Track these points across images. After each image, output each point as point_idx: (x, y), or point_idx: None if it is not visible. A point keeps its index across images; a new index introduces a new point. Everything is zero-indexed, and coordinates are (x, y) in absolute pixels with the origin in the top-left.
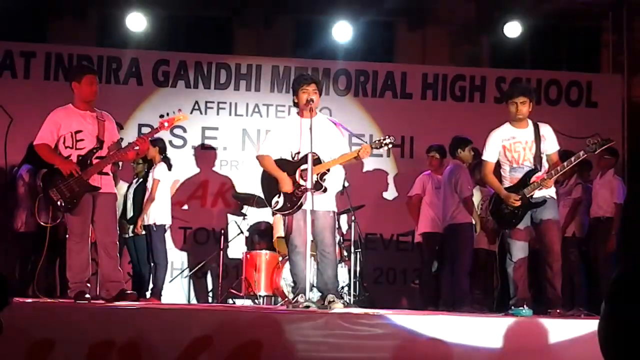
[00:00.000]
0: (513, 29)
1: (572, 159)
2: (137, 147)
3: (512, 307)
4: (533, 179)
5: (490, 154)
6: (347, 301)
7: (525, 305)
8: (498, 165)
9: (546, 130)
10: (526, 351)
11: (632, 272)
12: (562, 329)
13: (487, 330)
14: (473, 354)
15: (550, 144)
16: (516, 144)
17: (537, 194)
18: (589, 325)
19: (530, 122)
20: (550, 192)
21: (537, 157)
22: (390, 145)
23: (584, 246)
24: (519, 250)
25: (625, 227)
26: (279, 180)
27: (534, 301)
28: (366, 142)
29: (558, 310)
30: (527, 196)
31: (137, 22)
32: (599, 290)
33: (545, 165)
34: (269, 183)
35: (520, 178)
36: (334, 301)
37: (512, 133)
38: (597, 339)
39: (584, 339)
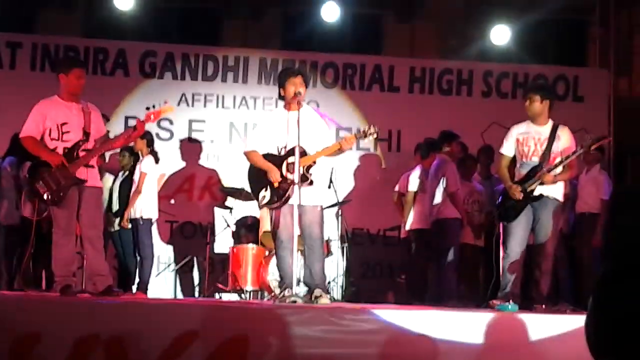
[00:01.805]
0: (500, 34)
1: (570, 154)
2: (126, 136)
3: (499, 302)
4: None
5: (506, 148)
6: (334, 296)
7: (511, 301)
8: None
9: (564, 132)
10: (512, 346)
11: (618, 268)
12: (547, 325)
13: (473, 325)
14: (459, 349)
15: (566, 146)
16: (529, 139)
17: (539, 189)
18: (574, 321)
19: (551, 121)
20: (554, 193)
21: (545, 155)
22: (374, 136)
23: (569, 241)
24: (517, 244)
25: (610, 223)
26: (268, 171)
27: (521, 297)
28: (350, 134)
29: (543, 306)
30: (528, 190)
31: (125, 1)
32: (584, 286)
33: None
34: (257, 177)
35: (526, 173)
36: (320, 296)
37: (528, 129)
38: (583, 334)
39: (569, 335)
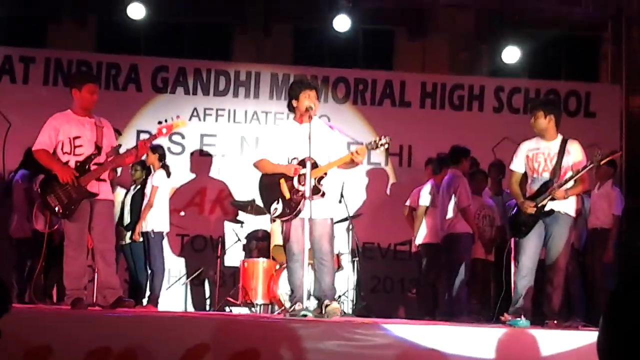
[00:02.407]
0: (511, 54)
1: (580, 169)
2: (135, 153)
3: (511, 317)
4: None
5: (516, 164)
6: (344, 310)
7: (523, 316)
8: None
9: (573, 146)
10: None
11: (630, 282)
12: (559, 340)
13: (484, 340)
14: None
15: (576, 160)
16: (538, 155)
17: (550, 205)
18: (586, 337)
19: (560, 136)
20: (566, 208)
21: (556, 170)
22: (385, 146)
23: (581, 257)
24: (528, 259)
25: (623, 239)
26: (284, 170)
27: (533, 312)
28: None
29: (555, 322)
30: (539, 205)
31: (137, 11)
32: (595, 301)
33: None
34: (268, 189)
35: (537, 188)
36: (330, 304)
37: (537, 144)
38: (595, 350)
39: (581, 350)
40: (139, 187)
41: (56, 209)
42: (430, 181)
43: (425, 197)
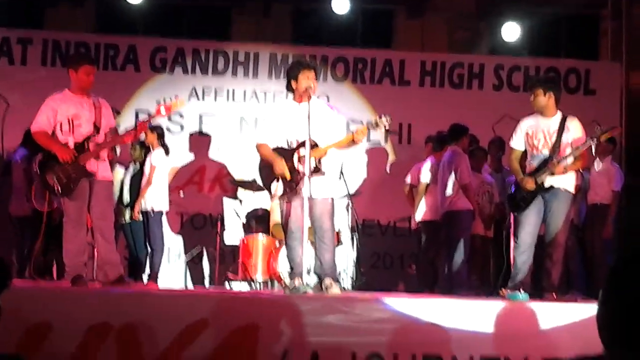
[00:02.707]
0: (510, 30)
1: (579, 145)
2: (134, 133)
3: (510, 291)
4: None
5: (516, 142)
6: (344, 287)
7: (522, 290)
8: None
9: (573, 123)
10: (522, 335)
11: (629, 257)
12: (558, 314)
13: (484, 314)
14: (470, 338)
15: (575, 137)
16: (538, 132)
17: (550, 181)
18: (585, 310)
19: (559, 113)
20: (566, 184)
21: (555, 147)
22: (386, 125)
23: (580, 233)
24: (527, 235)
25: (622, 215)
26: (273, 164)
27: (532, 287)
28: (362, 126)
29: (554, 295)
30: (539, 182)
31: None
32: (595, 276)
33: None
34: (268, 169)
35: (537, 165)
36: (331, 285)
37: (537, 122)
38: (594, 323)
39: (580, 324)
40: (138, 166)
41: (55, 188)
42: (430, 158)
43: (425, 174)
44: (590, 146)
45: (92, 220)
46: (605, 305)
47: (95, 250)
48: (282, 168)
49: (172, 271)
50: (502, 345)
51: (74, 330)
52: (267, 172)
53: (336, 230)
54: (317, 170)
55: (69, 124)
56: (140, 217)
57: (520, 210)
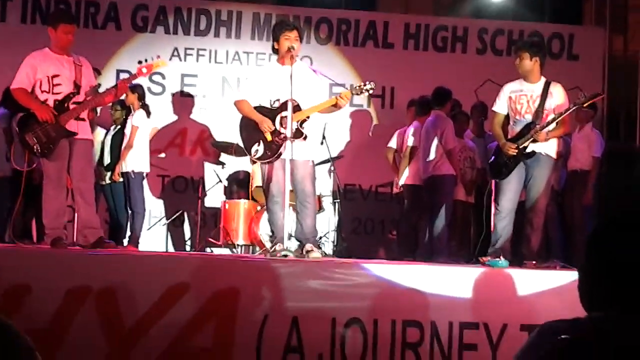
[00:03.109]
0: None
1: (562, 111)
2: (114, 93)
3: (490, 257)
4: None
5: (498, 106)
6: (325, 251)
7: (502, 257)
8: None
9: (556, 89)
10: (501, 301)
11: (609, 222)
12: (537, 280)
13: (463, 280)
14: (449, 303)
15: (558, 103)
16: (521, 97)
17: (532, 147)
18: (564, 277)
19: (543, 78)
20: (547, 150)
21: (539, 112)
22: (370, 91)
23: (560, 198)
24: (508, 201)
25: (602, 181)
26: (258, 123)
27: (511, 253)
28: (346, 89)
29: (534, 262)
30: (521, 147)
31: None
32: (574, 242)
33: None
34: (249, 131)
35: (519, 130)
36: (312, 250)
37: (520, 86)
38: (573, 289)
39: (559, 290)
40: (118, 127)
41: (35, 147)
42: (414, 123)
43: (411, 139)
44: (573, 112)
45: (72, 182)
46: (585, 270)
47: (76, 212)
48: (268, 127)
49: (153, 235)
50: (481, 311)
51: (53, 293)
52: (249, 134)
53: (318, 194)
54: (299, 133)
55: (49, 82)
56: (121, 179)
57: (501, 176)
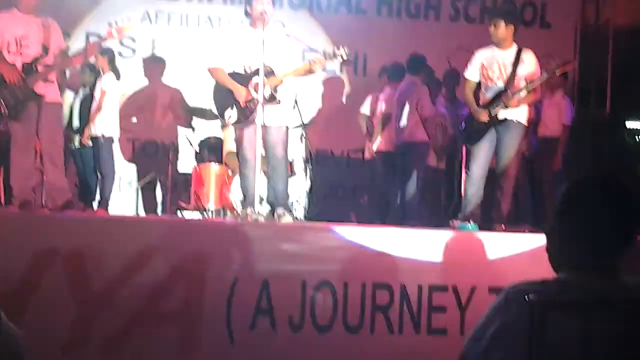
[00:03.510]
0: None
1: (534, 79)
2: (83, 55)
3: (459, 222)
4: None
5: (470, 72)
6: (297, 216)
7: (472, 221)
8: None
9: (528, 56)
10: (471, 264)
11: (577, 184)
12: (506, 244)
13: (433, 243)
14: (419, 266)
15: (529, 70)
16: (493, 64)
17: (503, 113)
18: (532, 241)
19: (515, 45)
20: (518, 116)
21: (510, 79)
22: (344, 57)
23: (530, 165)
24: (479, 167)
25: (571, 148)
26: (233, 91)
27: (481, 218)
28: (319, 55)
29: (503, 226)
30: (492, 114)
31: None
32: (543, 208)
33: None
34: (222, 96)
35: (491, 97)
36: (283, 215)
37: (492, 53)
38: (541, 253)
39: (527, 253)
40: (88, 90)
41: (1, 110)
42: (387, 89)
43: (384, 105)
44: (544, 79)
45: (40, 144)
46: (552, 231)
47: (44, 175)
48: (243, 95)
49: (124, 199)
50: (450, 274)
51: (21, 255)
52: (222, 98)
53: (290, 160)
54: (272, 98)
55: (17, 44)
56: (90, 143)
57: (472, 142)
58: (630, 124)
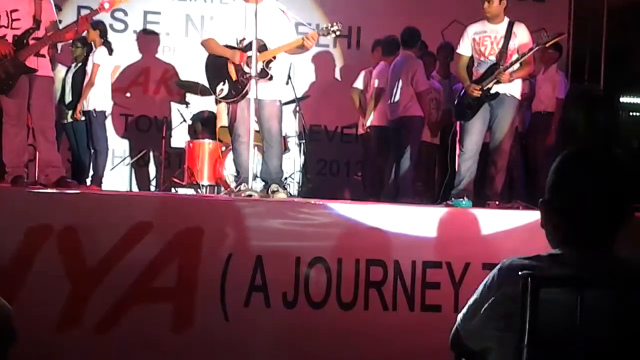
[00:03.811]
0: None
1: (526, 51)
2: (76, 28)
3: (453, 198)
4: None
5: (462, 48)
6: (290, 192)
7: (465, 197)
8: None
9: (519, 28)
10: (464, 240)
11: (572, 155)
12: (500, 220)
13: (426, 219)
14: (412, 242)
15: (522, 43)
16: (485, 38)
17: (496, 88)
18: (526, 217)
19: (506, 19)
20: (512, 90)
21: (502, 53)
22: (337, 33)
23: (524, 140)
24: (472, 142)
25: (565, 122)
26: (229, 56)
27: (475, 194)
28: (313, 30)
29: (497, 202)
30: (485, 89)
31: None
32: (537, 184)
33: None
34: (214, 70)
35: (483, 72)
36: (277, 190)
37: (484, 27)
38: (535, 229)
39: (520, 229)
40: (80, 64)
41: None
42: (381, 63)
43: (377, 80)
44: (537, 52)
45: (32, 119)
46: (547, 205)
47: (37, 151)
48: (239, 59)
49: (117, 175)
50: (444, 250)
51: (14, 231)
52: (214, 73)
53: (283, 135)
54: (264, 73)
55: (8, 16)
56: (82, 118)
57: (466, 117)
58: (624, 99)
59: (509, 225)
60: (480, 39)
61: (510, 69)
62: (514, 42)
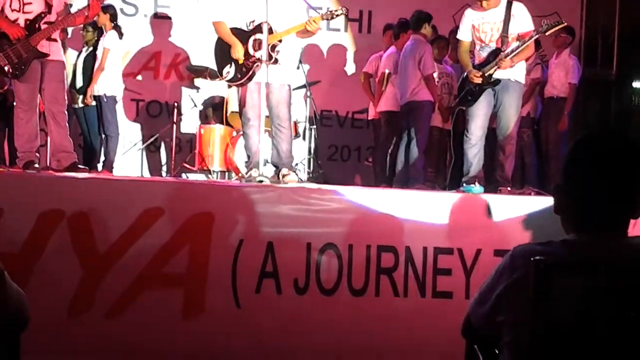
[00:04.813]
0: None
1: (526, 39)
2: (87, 13)
3: (464, 184)
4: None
5: (462, 33)
6: (301, 178)
7: (477, 183)
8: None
9: (518, 8)
10: (476, 227)
11: (587, 139)
12: (512, 206)
13: (438, 205)
14: (424, 228)
15: (521, 23)
16: (484, 24)
17: (498, 73)
18: (538, 203)
19: (504, 0)
20: (516, 75)
21: (504, 38)
22: (340, 15)
23: (536, 125)
24: (477, 128)
25: (578, 108)
26: (231, 46)
27: (486, 180)
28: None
29: (508, 188)
30: (487, 74)
31: None
32: (549, 169)
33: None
34: (222, 52)
35: (485, 57)
36: (288, 174)
37: (482, 13)
38: (547, 215)
39: (532, 216)
40: (90, 49)
41: (6, 68)
42: (391, 48)
43: (387, 64)
44: (535, 38)
45: (44, 104)
46: (560, 190)
47: (48, 136)
48: (239, 54)
49: (128, 160)
50: (456, 237)
51: (26, 217)
52: (222, 55)
53: (294, 120)
54: (270, 58)
55: (19, 1)
56: (93, 102)
57: (468, 103)
58: (637, 84)
59: (520, 212)
60: (479, 26)
61: (511, 55)
62: (514, 24)
